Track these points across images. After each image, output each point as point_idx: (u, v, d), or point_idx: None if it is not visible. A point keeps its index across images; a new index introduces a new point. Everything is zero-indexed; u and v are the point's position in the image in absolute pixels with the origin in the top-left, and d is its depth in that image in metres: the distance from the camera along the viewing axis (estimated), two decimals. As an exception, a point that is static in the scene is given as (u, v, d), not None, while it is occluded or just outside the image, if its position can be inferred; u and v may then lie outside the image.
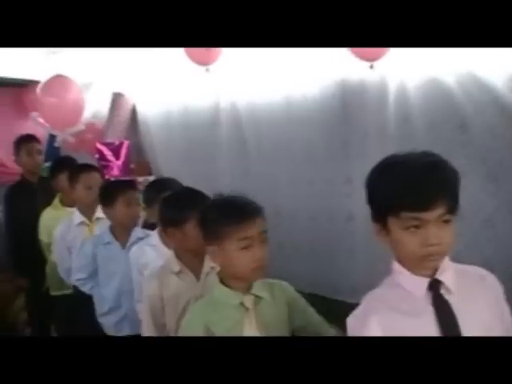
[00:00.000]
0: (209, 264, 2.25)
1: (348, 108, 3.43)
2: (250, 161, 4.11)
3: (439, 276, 1.41)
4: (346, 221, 3.44)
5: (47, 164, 4.25)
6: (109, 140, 4.89)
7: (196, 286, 2.25)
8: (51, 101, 4.82)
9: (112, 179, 4.58)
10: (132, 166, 4.90)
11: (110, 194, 2.96)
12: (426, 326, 1.39)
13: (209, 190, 4.25)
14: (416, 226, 1.34)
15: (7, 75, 5.21)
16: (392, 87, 3.17)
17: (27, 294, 4.06)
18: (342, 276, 3.50)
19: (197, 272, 2.28)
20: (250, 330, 1.84)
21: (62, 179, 3.47)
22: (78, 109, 4.93)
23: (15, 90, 5.60)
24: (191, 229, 2.16)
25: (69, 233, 3.34)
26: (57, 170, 3.64)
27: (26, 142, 4.01)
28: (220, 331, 1.82)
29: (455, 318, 1.39)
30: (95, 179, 3.22)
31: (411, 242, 1.36)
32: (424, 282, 1.41)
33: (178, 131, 4.61)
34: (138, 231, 2.97)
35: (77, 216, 3.33)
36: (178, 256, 2.30)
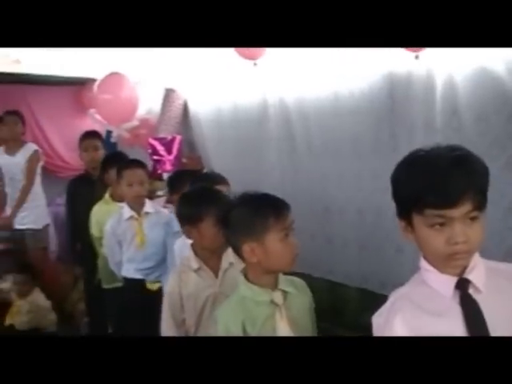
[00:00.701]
0: (227, 261, 2.28)
1: (395, 101, 3.34)
2: (299, 156, 4.09)
3: (468, 275, 1.36)
4: (394, 215, 3.35)
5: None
6: (161, 135, 4.97)
7: (214, 282, 2.28)
8: (107, 98, 4.97)
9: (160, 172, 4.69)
10: (184, 160, 4.96)
11: (179, 182, 3.04)
12: (453, 327, 1.34)
13: (258, 184, 4.29)
14: (441, 224, 1.30)
15: (66, 74, 5.41)
16: (439, 78, 3.06)
17: (84, 284, 4.20)
18: (389, 271, 3.43)
19: (215, 269, 2.30)
20: (282, 325, 1.85)
21: (112, 174, 3.55)
22: (132, 105, 5.06)
23: (74, 88, 5.82)
24: (207, 227, 2.21)
25: (119, 227, 3.41)
26: (107, 165, 3.73)
27: (83, 138, 4.17)
28: (253, 330, 1.85)
29: (483, 319, 1.33)
30: (137, 176, 3.25)
31: (436, 240, 1.31)
32: (451, 281, 1.36)
33: (228, 126, 4.63)
34: None
35: (126, 211, 3.40)
36: (197, 253, 2.32)
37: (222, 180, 2.86)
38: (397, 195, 1.39)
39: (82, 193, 4.04)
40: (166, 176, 4.60)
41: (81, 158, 4.25)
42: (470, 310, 1.35)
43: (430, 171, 1.29)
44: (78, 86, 5.78)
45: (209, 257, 2.31)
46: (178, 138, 4.93)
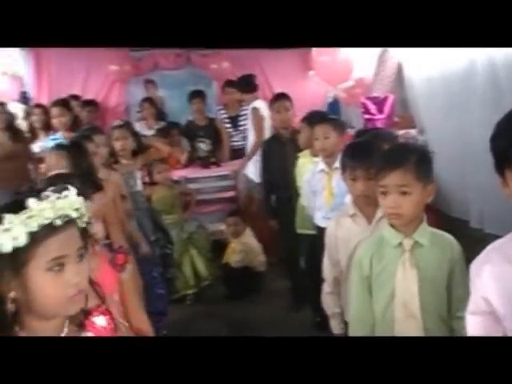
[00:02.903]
0: (382, 211, 2.38)
1: None
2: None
3: None
4: None
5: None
6: (375, 94, 5.08)
7: (367, 229, 2.41)
8: (324, 60, 5.24)
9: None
10: (396, 119, 5.02)
11: None
12: None
13: (464, 141, 4.17)
14: None
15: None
16: None
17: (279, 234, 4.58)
18: None
19: (369, 217, 2.43)
20: (404, 271, 1.97)
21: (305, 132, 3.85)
22: (348, 65, 5.24)
23: (302, 51, 6.18)
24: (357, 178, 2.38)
25: (313, 178, 3.70)
26: (306, 123, 4.00)
27: (275, 100, 4.45)
28: (377, 266, 2.02)
29: None
30: (322, 130, 3.40)
31: None
32: None
33: (438, 83, 4.55)
34: None
35: (320, 164, 3.67)
36: (355, 201, 2.48)
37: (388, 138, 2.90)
38: (493, 150, 1.42)
39: (273, 151, 4.39)
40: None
41: (272, 118, 4.57)
42: None
43: None
44: (305, 48, 6.12)
45: (364, 205, 2.46)
46: (391, 97, 4.99)
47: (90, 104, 5.78)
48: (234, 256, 4.70)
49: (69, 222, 1.20)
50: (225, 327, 4.21)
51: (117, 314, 1.35)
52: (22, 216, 1.13)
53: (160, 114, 6.19)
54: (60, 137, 4.55)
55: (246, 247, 4.72)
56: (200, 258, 4.74)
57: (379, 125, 4.97)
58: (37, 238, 1.15)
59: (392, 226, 2.01)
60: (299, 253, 4.18)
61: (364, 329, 2.04)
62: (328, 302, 2.62)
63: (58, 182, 2.35)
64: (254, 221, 4.99)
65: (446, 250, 1.99)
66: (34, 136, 5.02)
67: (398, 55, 5.01)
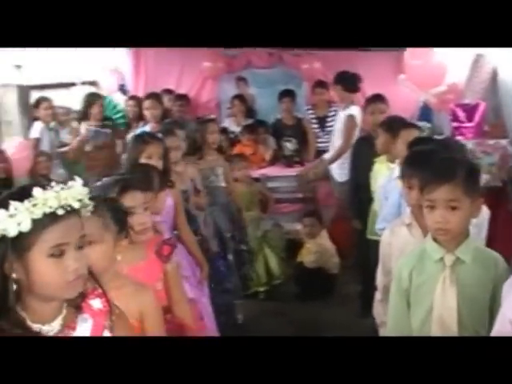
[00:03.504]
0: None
1: None
2: None
3: None
4: None
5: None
6: (466, 101, 4.89)
7: (421, 240, 2.33)
8: (417, 63, 5.11)
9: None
10: (486, 128, 4.80)
11: None
12: None
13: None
14: None
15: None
16: None
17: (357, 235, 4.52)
18: None
19: (426, 228, 2.34)
20: (443, 287, 1.93)
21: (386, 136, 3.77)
22: (441, 70, 5.09)
23: (396, 53, 6.03)
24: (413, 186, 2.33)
25: (389, 184, 3.63)
26: (384, 129, 3.92)
27: (371, 101, 4.39)
28: (417, 280, 1.99)
29: None
30: (407, 136, 3.36)
31: None
32: None
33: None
34: None
35: (397, 170, 3.59)
36: (411, 210, 2.42)
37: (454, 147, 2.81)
38: None
39: (362, 152, 4.33)
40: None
41: (364, 119, 4.49)
42: None
43: None
44: (399, 51, 5.97)
45: (420, 214, 2.39)
46: (482, 104, 4.78)
47: (182, 98, 5.98)
48: (308, 256, 4.72)
49: (71, 211, 1.26)
50: (292, 326, 4.23)
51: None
52: (27, 204, 1.20)
53: (250, 112, 6.29)
54: (149, 128, 4.76)
55: (321, 248, 4.72)
56: (273, 256, 4.79)
57: (468, 133, 4.79)
58: (40, 225, 1.21)
59: (435, 239, 1.96)
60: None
61: (400, 341, 2.00)
62: (379, 310, 2.58)
63: (140, 172, 2.50)
64: (332, 221, 4.97)
65: (488, 267, 1.93)
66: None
67: (494, 60, 4.79)
